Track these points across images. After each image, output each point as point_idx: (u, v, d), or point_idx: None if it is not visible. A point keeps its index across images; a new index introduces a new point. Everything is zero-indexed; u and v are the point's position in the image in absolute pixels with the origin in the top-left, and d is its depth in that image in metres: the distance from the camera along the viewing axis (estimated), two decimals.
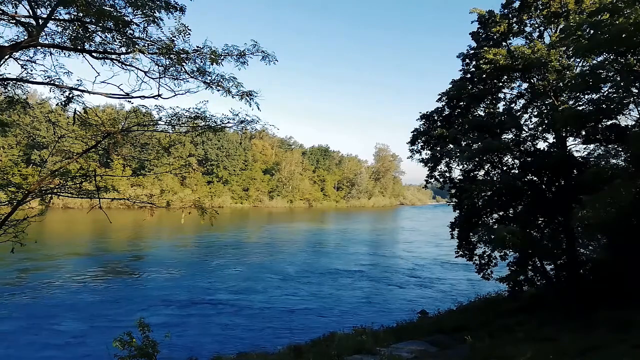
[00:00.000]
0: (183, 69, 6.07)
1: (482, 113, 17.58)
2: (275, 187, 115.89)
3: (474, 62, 16.98)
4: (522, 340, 10.03)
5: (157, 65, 6.03)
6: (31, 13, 5.39)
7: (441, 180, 18.36)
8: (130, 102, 6.22)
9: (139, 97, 6.10)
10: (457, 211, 17.57)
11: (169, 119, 6.38)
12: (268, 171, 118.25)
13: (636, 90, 11.67)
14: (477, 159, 15.64)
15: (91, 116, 6.21)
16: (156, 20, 5.68)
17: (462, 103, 17.58)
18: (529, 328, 11.63)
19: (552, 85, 14.70)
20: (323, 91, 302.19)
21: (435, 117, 18.48)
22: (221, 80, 6.17)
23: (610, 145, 13.11)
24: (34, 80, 5.79)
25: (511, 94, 17.35)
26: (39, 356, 13.96)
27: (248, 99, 6.25)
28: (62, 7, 5.42)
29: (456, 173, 17.90)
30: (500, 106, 17.73)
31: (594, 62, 13.38)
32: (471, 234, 17.07)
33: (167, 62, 5.97)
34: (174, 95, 6.35)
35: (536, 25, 16.08)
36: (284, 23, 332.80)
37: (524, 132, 16.04)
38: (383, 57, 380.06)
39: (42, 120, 71.05)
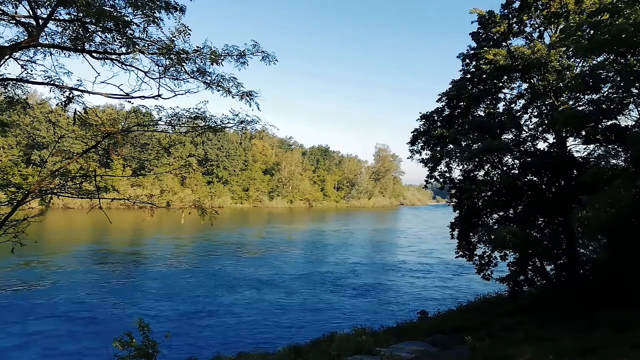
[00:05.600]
0: (183, 69, 6.07)
1: (482, 113, 17.58)
2: (275, 187, 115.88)
3: (474, 63, 16.98)
4: (522, 340, 10.02)
5: (157, 65, 6.03)
6: (31, 13, 5.38)
7: (441, 180, 18.35)
8: (130, 102, 6.22)
9: (139, 97, 6.10)
10: (457, 211, 17.56)
11: (169, 119, 6.36)
12: (268, 171, 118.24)
13: (636, 91, 11.66)
14: (477, 159, 15.64)
15: (91, 116, 6.20)
16: (156, 20, 5.68)
17: (462, 103, 17.57)
18: (529, 328, 11.62)
19: (552, 85, 14.70)
20: (323, 91, 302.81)
21: (435, 118, 18.47)
22: (221, 80, 6.16)
23: (610, 146, 13.11)
24: (34, 80, 5.78)
25: (511, 94, 17.36)
26: (39, 356, 13.95)
27: (248, 99, 6.25)
28: (62, 7, 5.42)
29: (456, 173, 17.93)
30: (500, 106, 17.75)
31: (594, 62, 13.39)
32: (471, 234, 17.08)
33: (167, 62, 5.97)
34: (174, 96, 6.35)
35: (536, 26, 16.08)
36: (284, 23, 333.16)
37: (524, 132, 16.05)
38: (383, 57, 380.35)
39: (42, 120, 71.06)
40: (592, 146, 14.07)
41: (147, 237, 44.12)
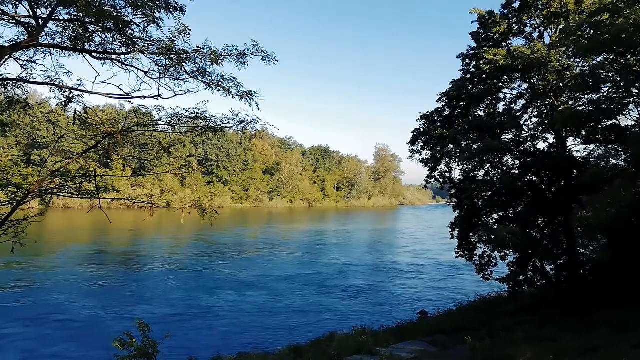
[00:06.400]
0: (183, 69, 6.07)
1: (482, 113, 17.58)
2: (275, 187, 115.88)
3: (474, 63, 16.98)
4: (522, 340, 10.02)
5: (157, 65, 6.03)
6: (31, 13, 5.38)
7: (441, 180, 18.35)
8: (130, 102, 6.23)
9: (139, 97, 6.10)
10: (457, 211, 17.56)
11: (169, 119, 6.36)
12: (268, 171, 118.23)
13: (636, 91, 11.66)
14: (477, 159, 15.64)
15: (91, 116, 6.20)
16: (156, 20, 5.68)
17: (462, 103, 17.57)
18: (529, 328, 11.62)
19: (552, 85, 14.70)
20: (323, 91, 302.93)
21: (435, 118, 18.47)
22: (221, 80, 6.17)
23: (610, 146, 13.11)
24: (34, 80, 5.78)
25: (511, 94, 17.36)
26: (38, 356, 13.94)
27: (248, 99, 6.25)
28: (62, 7, 5.42)
29: (456, 173, 17.92)
30: (500, 106, 17.75)
31: (594, 62, 13.39)
32: (471, 234, 17.07)
33: (167, 62, 5.97)
34: (174, 96, 6.35)
35: (536, 26, 16.08)
36: (284, 23, 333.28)
37: (524, 132, 16.05)
38: (383, 57, 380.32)
39: (42, 120, 71.07)
40: (592, 146, 14.07)
41: (147, 238, 44.11)
